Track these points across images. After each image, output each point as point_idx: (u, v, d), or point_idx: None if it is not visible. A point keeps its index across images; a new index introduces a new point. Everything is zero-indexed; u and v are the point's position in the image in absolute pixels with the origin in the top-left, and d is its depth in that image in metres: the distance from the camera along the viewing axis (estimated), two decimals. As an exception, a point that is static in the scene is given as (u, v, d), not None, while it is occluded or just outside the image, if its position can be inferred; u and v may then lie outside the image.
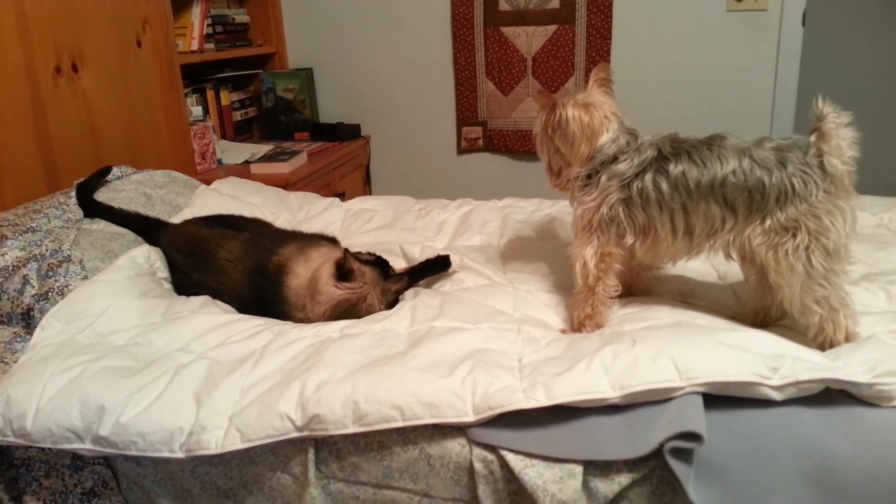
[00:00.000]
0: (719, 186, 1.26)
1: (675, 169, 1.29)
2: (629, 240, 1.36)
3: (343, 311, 1.47)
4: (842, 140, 1.21)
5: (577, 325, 1.41)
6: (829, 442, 1.02)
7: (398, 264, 1.76)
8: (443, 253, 1.70)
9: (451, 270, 1.67)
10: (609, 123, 1.38)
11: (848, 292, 1.26)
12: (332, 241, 1.71)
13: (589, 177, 1.39)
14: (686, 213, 1.30)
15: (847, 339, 1.24)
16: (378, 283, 1.50)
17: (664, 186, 1.30)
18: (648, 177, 1.31)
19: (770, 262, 1.26)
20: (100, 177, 1.89)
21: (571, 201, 1.45)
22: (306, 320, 1.48)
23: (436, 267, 1.66)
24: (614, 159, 1.36)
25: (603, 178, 1.36)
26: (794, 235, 1.23)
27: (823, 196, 1.22)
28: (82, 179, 1.84)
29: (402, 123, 3.33)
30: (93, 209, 1.75)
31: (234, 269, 1.58)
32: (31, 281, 1.47)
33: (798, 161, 1.23)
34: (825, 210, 1.22)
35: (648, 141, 1.36)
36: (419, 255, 1.79)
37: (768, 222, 1.24)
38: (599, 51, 3.00)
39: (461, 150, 3.30)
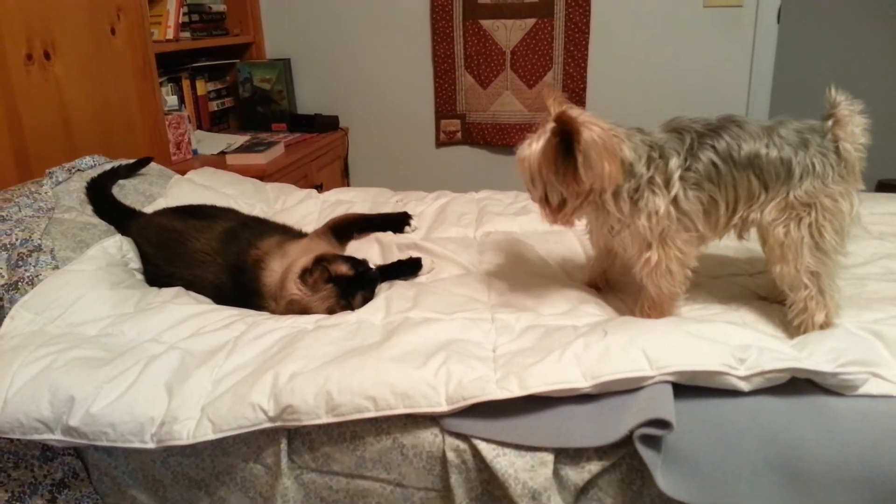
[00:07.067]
0: (755, 158, 1.29)
1: (720, 144, 1.30)
2: (700, 225, 1.31)
3: (293, 311, 1.46)
4: (856, 126, 1.26)
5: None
6: (795, 430, 1.04)
7: (374, 251, 1.77)
8: (415, 255, 1.70)
9: (421, 273, 1.66)
10: (614, 131, 1.28)
11: (837, 283, 1.31)
12: (301, 235, 1.70)
13: (636, 189, 1.29)
14: (735, 187, 1.31)
15: (823, 325, 1.27)
16: (328, 300, 1.46)
17: (718, 162, 1.30)
18: (704, 156, 1.29)
19: (779, 236, 1.29)
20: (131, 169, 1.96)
21: (600, 218, 1.35)
22: (279, 311, 1.48)
23: (406, 269, 1.65)
24: (657, 161, 1.29)
25: (659, 181, 1.28)
26: (809, 212, 1.27)
27: (838, 179, 1.27)
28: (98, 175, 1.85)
29: (380, 115, 3.32)
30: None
31: (212, 261, 1.57)
32: (1, 271, 1.45)
33: (817, 144, 1.28)
34: (839, 192, 1.27)
35: (664, 132, 1.33)
36: (396, 249, 1.80)
37: (790, 196, 1.28)
38: (577, 45, 3.01)
39: (439, 143, 3.30)
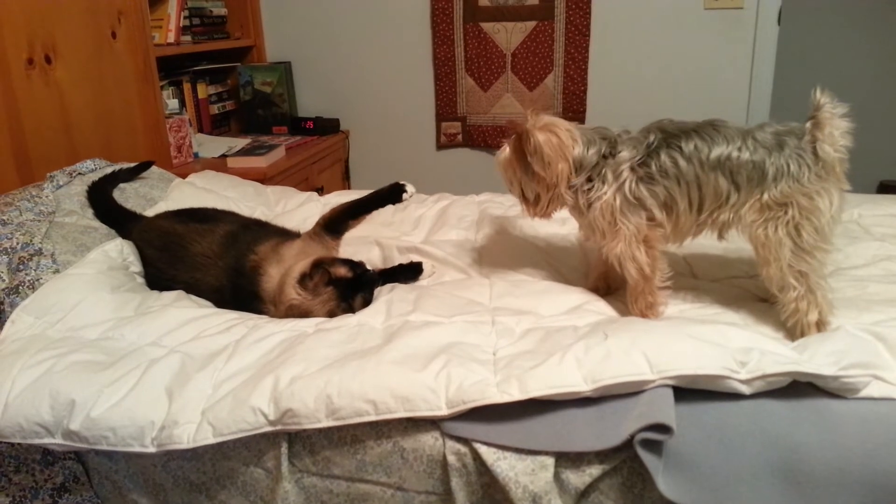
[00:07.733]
0: (726, 160, 1.31)
1: (687, 145, 1.33)
2: (657, 214, 1.36)
3: (293, 315, 1.46)
4: (835, 129, 1.27)
5: (639, 315, 1.42)
6: (796, 434, 1.04)
7: (375, 254, 1.76)
8: (416, 259, 1.70)
9: (421, 278, 1.67)
10: (572, 135, 1.39)
11: (827, 281, 1.31)
12: (298, 236, 1.70)
13: (589, 179, 1.39)
14: (699, 186, 1.33)
15: (818, 324, 1.28)
16: (329, 302, 1.46)
17: (681, 161, 1.33)
18: (664, 154, 1.33)
19: (760, 237, 1.31)
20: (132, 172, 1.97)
21: (574, 211, 1.46)
22: (279, 315, 1.48)
23: (407, 273, 1.66)
24: (609, 155, 1.37)
25: (608, 173, 1.37)
26: (786, 212, 1.29)
27: (815, 178, 1.28)
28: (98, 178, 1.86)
29: (381, 118, 3.32)
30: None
31: (212, 265, 1.56)
32: (2, 275, 1.45)
33: (794, 145, 1.30)
34: (815, 191, 1.28)
35: (639, 132, 1.39)
36: (396, 253, 1.80)
37: (765, 197, 1.30)
38: (578, 47, 3.01)
39: (440, 146, 3.30)
